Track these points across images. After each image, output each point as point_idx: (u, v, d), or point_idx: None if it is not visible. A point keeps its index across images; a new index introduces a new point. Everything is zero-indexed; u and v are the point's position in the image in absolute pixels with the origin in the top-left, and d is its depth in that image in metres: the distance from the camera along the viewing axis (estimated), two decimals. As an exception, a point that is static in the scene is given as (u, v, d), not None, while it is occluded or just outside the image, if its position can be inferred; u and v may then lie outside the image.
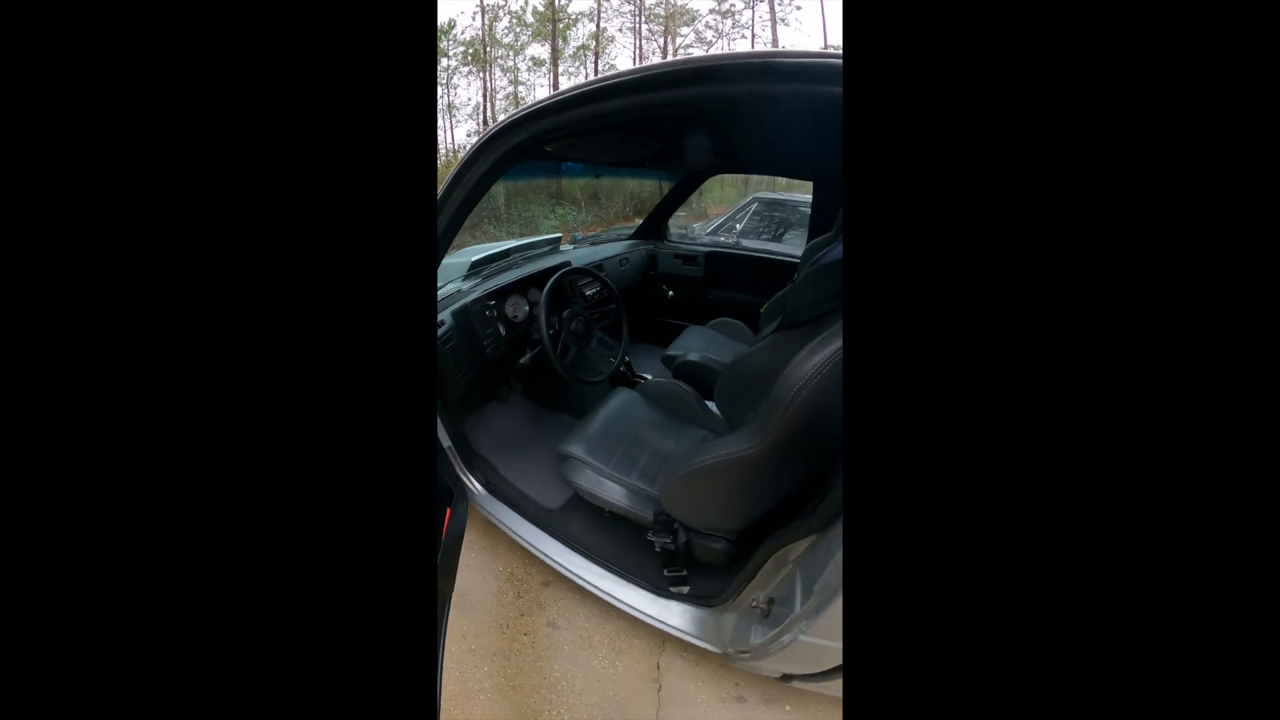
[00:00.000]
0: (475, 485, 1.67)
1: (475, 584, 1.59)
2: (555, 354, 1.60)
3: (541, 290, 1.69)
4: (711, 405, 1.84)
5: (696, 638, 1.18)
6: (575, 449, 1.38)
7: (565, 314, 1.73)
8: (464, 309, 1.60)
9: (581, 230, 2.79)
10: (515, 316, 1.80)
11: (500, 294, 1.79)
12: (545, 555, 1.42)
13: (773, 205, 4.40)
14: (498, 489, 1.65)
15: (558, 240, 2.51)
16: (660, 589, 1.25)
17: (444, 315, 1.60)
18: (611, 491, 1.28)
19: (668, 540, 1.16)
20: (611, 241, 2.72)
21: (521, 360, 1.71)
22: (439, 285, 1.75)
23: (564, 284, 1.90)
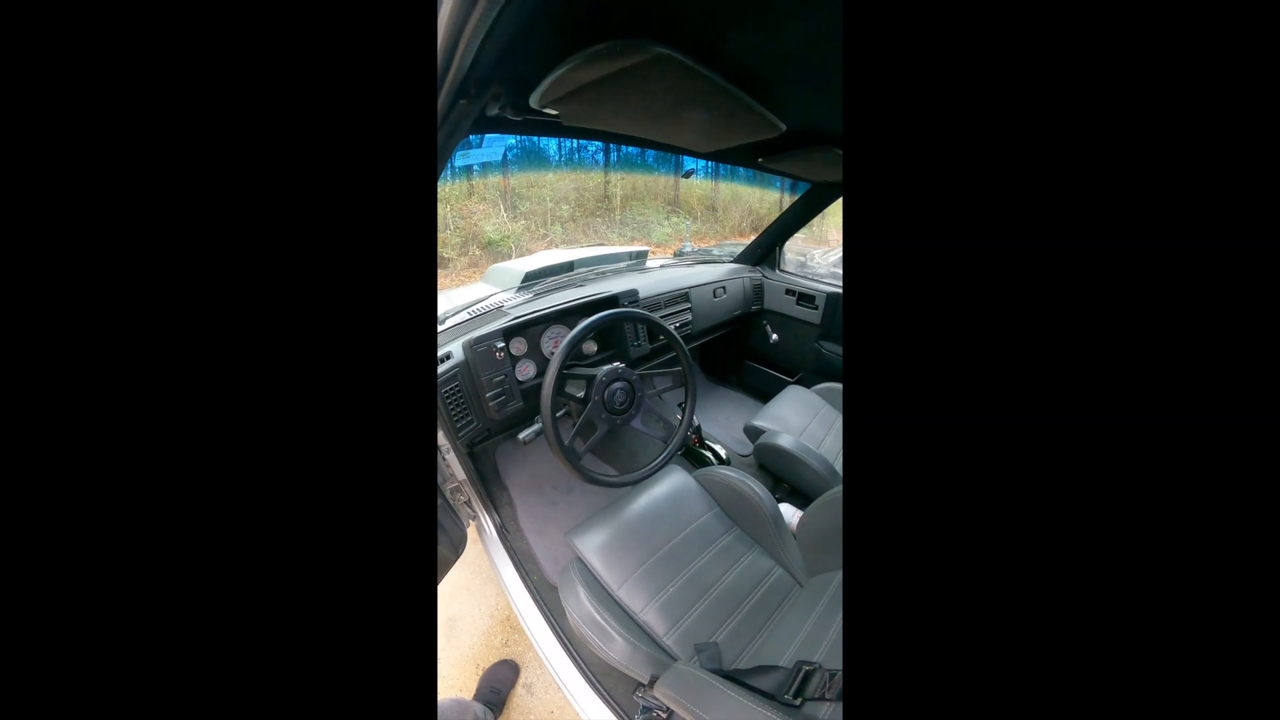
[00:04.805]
0: (488, 524, 1.42)
1: (466, 613, 1.48)
2: (556, 436, 1.07)
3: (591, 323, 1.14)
4: (788, 512, 1.41)
5: None
6: (583, 545, 1.03)
7: (603, 373, 1.12)
8: (472, 343, 1.20)
9: (694, 241, 2.36)
10: (550, 356, 1.31)
11: (529, 327, 1.35)
12: (532, 638, 1.18)
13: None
14: (509, 536, 1.41)
15: (644, 255, 2.15)
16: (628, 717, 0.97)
17: (454, 347, 1.20)
18: (611, 647, 0.87)
19: (661, 711, 0.86)
20: (716, 262, 2.31)
21: (523, 435, 1.21)
22: (487, 293, 1.50)
23: (617, 326, 1.47)
